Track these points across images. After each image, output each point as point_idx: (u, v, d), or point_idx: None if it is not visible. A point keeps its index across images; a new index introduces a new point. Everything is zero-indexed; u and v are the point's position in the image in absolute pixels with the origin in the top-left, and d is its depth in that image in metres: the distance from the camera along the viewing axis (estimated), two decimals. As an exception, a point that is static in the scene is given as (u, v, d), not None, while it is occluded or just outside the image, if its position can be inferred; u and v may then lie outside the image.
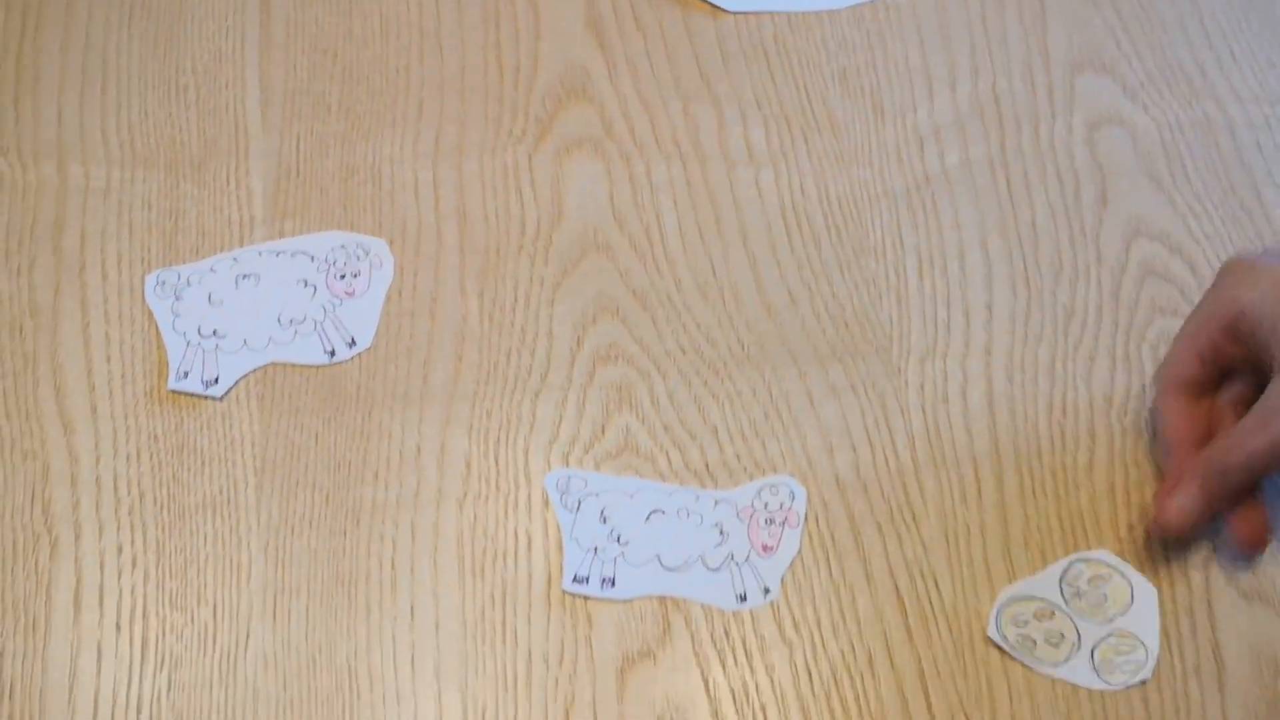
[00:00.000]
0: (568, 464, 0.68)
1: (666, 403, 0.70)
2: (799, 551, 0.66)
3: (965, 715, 0.62)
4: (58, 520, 0.65)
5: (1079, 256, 0.76)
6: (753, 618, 0.65)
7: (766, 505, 0.68)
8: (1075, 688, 0.63)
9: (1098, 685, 0.63)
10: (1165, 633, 0.65)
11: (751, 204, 0.78)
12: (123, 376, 0.70)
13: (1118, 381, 0.72)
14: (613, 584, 0.65)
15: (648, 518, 0.67)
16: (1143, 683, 0.63)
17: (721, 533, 0.67)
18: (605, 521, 0.67)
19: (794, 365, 0.72)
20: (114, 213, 0.75)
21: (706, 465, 0.69)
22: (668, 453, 0.69)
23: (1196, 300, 0.68)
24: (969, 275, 0.75)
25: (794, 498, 0.68)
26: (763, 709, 0.62)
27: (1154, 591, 0.66)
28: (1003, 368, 0.72)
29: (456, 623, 0.64)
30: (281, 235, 0.75)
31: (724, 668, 0.63)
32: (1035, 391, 0.71)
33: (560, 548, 0.66)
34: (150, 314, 0.71)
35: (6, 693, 0.61)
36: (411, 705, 0.62)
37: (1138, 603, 0.66)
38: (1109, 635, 0.65)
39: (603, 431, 0.69)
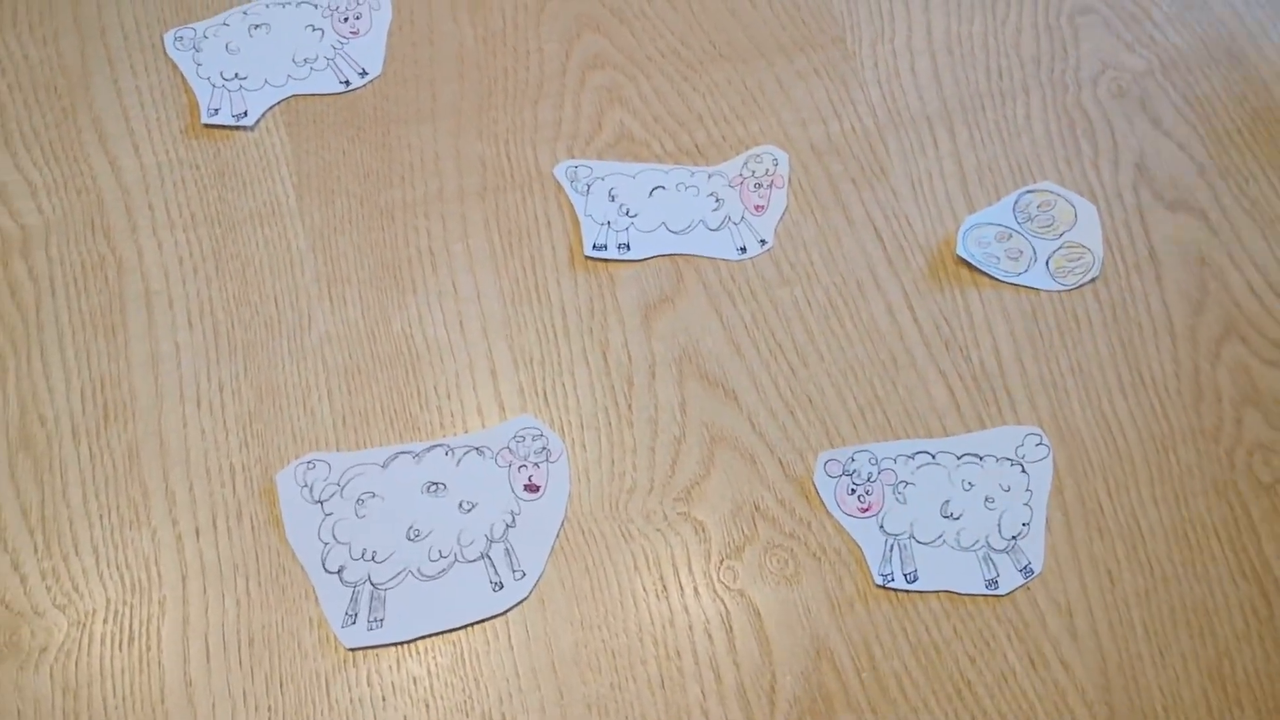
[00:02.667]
0: (573, 155, 0.73)
1: (653, 98, 0.75)
2: (787, 208, 0.72)
3: (946, 322, 0.69)
4: (119, 243, 0.68)
5: (999, -50, 0.82)
6: (754, 265, 0.70)
7: (754, 172, 0.73)
8: (1037, 291, 0.70)
9: (1055, 287, 0.70)
10: (1107, 242, 0.72)
11: (706, -76, 0.82)
12: (158, 119, 0.72)
13: (1042, 46, 0.78)
14: (628, 248, 0.70)
15: (650, 193, 0.72)
16: (1093, 280, 0.71)
17: (717, 199, 0.72)
18: (614, 199, 0.72)
19: (762, 58, 0.77)
20: (124, -19, 0.78)
21: (696, 146, 0.73)
22: (660, 139, 0.74)
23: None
24: (905, -28, 0.81)
25: (777, 163, 0.73)
26: (771, 333, 0.68)
27: (1094, 209, 0.73)
28: (943, 44, 0.77)
29: (495, 291, 0.69)
30: (282, -10, 0.78)
31: (734, 304, 0.69)
32: (973, 61, 0.77)
33: (577, 225, 0.70)
34: (174, 65, 0.74)
35: (100, 385, 0.65)
36: (467, 359, 0.66)
37: (1081, 220, 0.72)
38: (1060, 248, 0.72)
39: (600, 126, 0.74)
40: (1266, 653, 0.61)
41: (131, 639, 0.59)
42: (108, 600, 0.60)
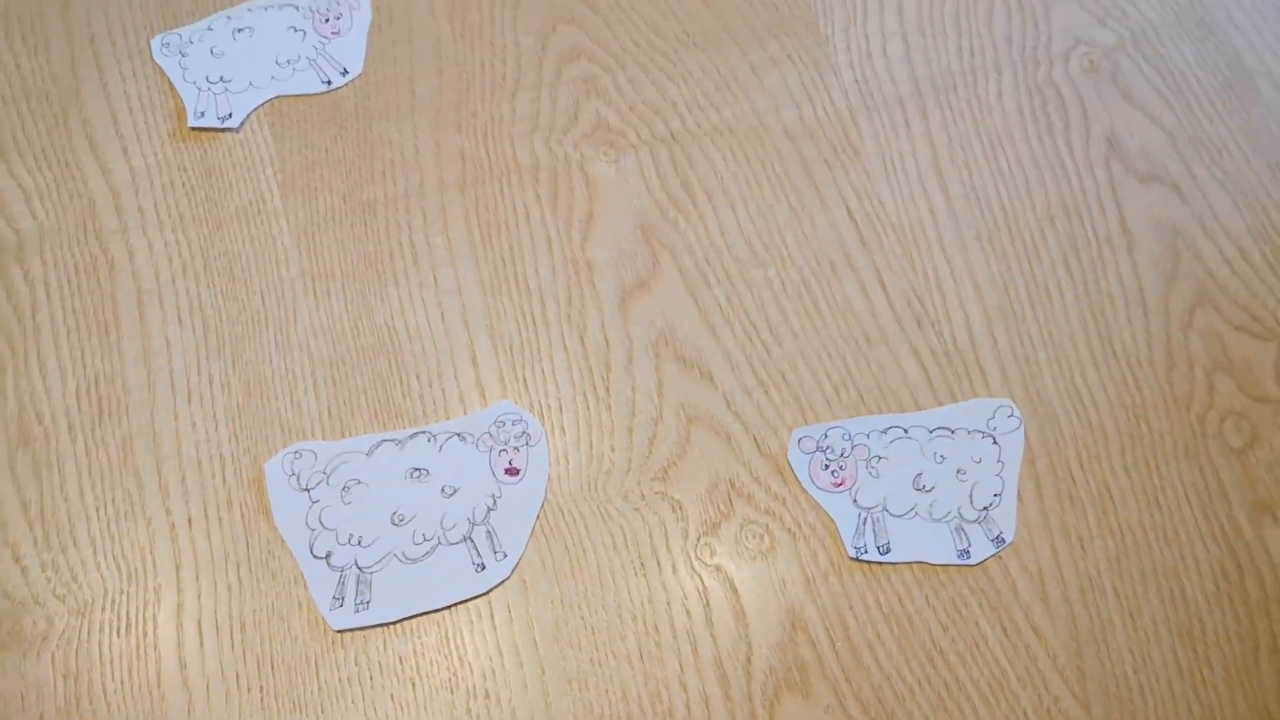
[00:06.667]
0: (550, 147, 0.75)
1: (629, 88, 0.77)
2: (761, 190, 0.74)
3: (918, 298, 0.70)
4: (111, 244, 0.71)
5: (970, -70, 0.83)
6: (729, 247, 0.72)
7: (727, 157, 0.75)
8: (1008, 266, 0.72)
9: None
10: (1079, 215, 0.73)
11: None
12: (146, 124, 0.75)
13: (1014, 24, 0.78)
14: (604, 235, 0.72)
15: (626, 181, 0.74)
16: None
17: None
18: (590, 188, 0.74)
19: (735, 45, 0.78)
20: (111, -9, 0.80)
21: (671, 134, 0.75)
22: (635, 128, 0.75)
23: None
24: (877, -44, 0.82)
25: (750, 147, 0.75)
26: (746, 314, 0.69)
27: (1065, 183, 0.74)
28: (915, 25, 0.78)
29: (475, 281, 0.70)
30: (265, -6, 0.80)
31: (709, 286, 0.70)
32: (945, 41, 0.78)
33: (555, 213, 0.72)
34: (161, 70, 0.76)
35: (94, 382, 0.67)
36: (448, 348, 0.68)
37: (1052, 194, 0.74)
38: (1031, 222, 0.73)
39: (576, 118, 0.75)
40: (1236, 614, 0.62)
41: (129, 626, 0.61)
42: (105, 589, 0.62)
